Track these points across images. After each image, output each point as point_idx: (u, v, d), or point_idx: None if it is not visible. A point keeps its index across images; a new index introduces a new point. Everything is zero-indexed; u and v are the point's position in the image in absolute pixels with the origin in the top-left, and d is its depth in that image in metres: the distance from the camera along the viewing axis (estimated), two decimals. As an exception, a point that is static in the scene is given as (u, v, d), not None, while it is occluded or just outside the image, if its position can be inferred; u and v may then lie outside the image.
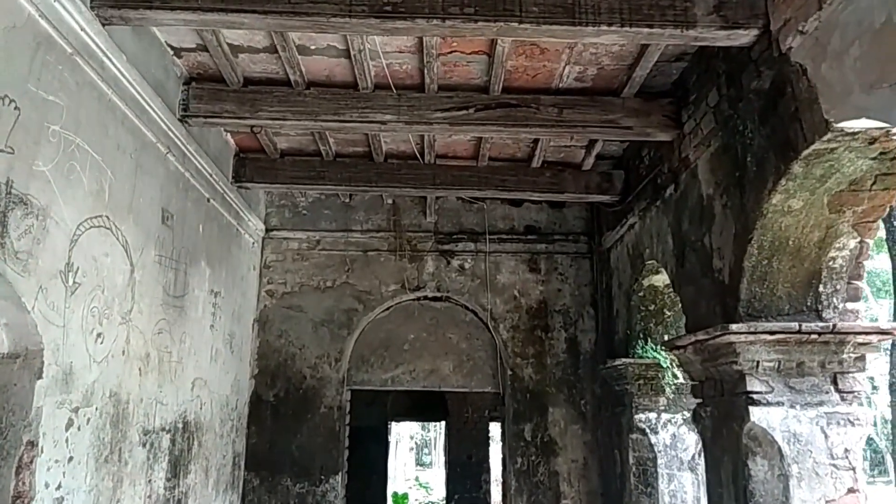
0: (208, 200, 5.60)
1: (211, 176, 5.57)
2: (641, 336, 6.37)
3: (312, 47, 4.55)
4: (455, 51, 4.54)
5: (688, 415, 6.26)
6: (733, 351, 3.94)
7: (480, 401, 16.45)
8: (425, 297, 7.60)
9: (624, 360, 6.21)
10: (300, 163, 6.32)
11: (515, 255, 7.52)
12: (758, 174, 3.80)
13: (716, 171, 4.36)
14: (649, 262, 5.77)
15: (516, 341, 7.29)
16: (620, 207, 6.45)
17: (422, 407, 16.77)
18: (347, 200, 7.56)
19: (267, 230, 7.49)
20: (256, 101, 4.89)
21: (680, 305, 5.94)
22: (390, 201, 7.57)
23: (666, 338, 6.38)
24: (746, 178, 3.92)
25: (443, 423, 16.82)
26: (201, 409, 5.52)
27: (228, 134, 6.02)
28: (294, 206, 7.59)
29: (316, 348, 7.22)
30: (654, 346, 6.31)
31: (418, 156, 6.23)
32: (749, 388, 3.92)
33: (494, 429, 17.13)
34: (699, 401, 4.63)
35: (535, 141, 5.96)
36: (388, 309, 7.58)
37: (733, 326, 3.86)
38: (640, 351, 6.33)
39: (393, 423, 18.61)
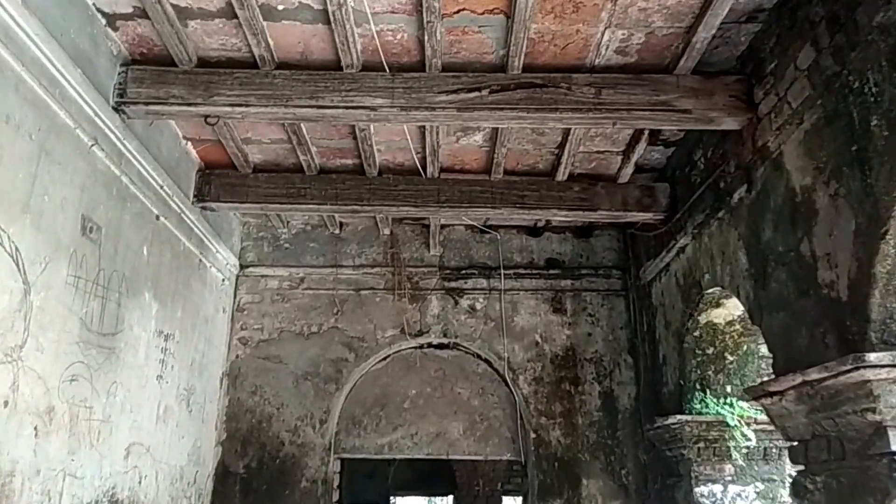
0: (158, 218, 4.56)
1: (162, 188, 4.55)
2: (698, 387, 5.17)
3: (280, 7, 3.59)
4: (463, 9, 3.58)
5: (762, 487, 5.00)
6: (867, 394, 2.80)
7: (492, 471, 14.97)
8: (429, 345, 6.44)
9: (678, 417, 4.99)
10: (276, 178, 5.30)
11: (536, 292, 6.40)
12: (891, 140, 2.74)
13: (815, 153, 3.30)
14: (710, 290, 4.65)
15: (540, 397, 6.09)
16: (664, 229, 5.37)
17: (428, 478, 15.30)
18: (337, 231, 6.51)
19: (242, 266, 6.42)
20: (212, 85, 3.91)
21: (762, 341, 4.80)
22: (387, 231, 6.52)
23: (729, 389, 5.19)
24: (872, 150, 2.86)
25: (450, 497, 15.22)
26: (140, 483, 4.31)
27: (188, 143, 5.03)
28: (275, 239, 6.54)
29: (297, 407, 6.03)
30: (715, 400, 5.11)
31: (419, 168, 5.22)
32: (895, 448, 2.75)
33: (508, 504, 15.55)
34: (801, 468, 3.44)
35: (561, 146, 4.95)
36: (384, 359, 6.42)
37: (871, 357, 2.72)
38: (697, 406, 5.12)
39: (396, 498, 16.99)
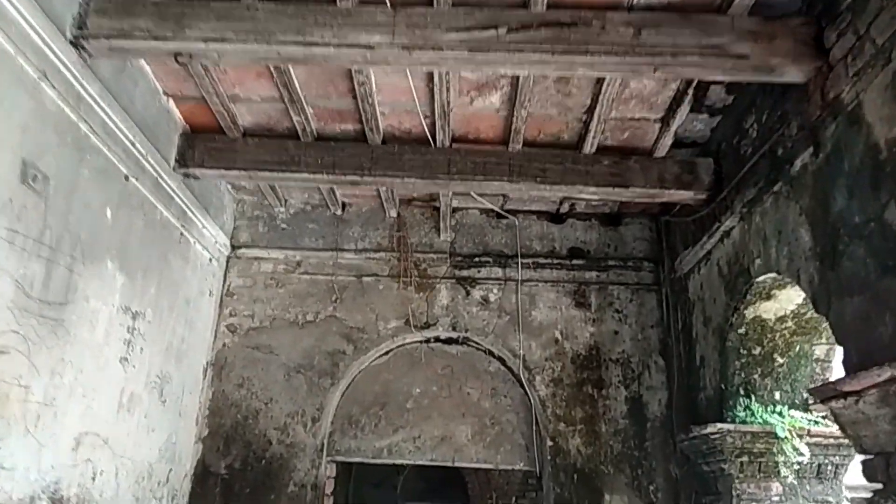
0: (127, 179, 4.05)
1: (135, 147, 4.05)
2: (742, 392, 4.53)
3: (261, -81, 3.06)
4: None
5: (816, 511, 4.35)
6: None
7: (506, 484, 14.29)
8: (436, 339, 5.86)
9: (719, 426, 4.35)
10: (268, 144, 4.78)
11: (557, 284, 5.79)
12: None
13: (909, 96, 2.68)
14: (761, 278, 4.02)
15: (559, 400, 5.47)
16: (706, 211, 4.74)
17: (438, 489, 14.68)
18: (339, 212, 5.97)
19: (233, 247, 5.90)
20: (184, 17, 3.39)
21: (817, 341, 4.16)
22: (394, 213, 5.97)
23: (777, 395, 4.55)
24: None
25: (462, 509, 14.55)
26: (94, 479, 3.78)
27: (170, 100, 4.53)
28: (271, 219, 6.02)
29: (288, 403, 5.47)
30: (762, 407, 4.46)
31: (428, 136, 4.66)
32: None
33: (523, 519, 14.86)
34: (878, 486, 2.83)
35: (590, 110, 4.36)
36: (386, 353, 5.85)
37: None
38: (741, 413, 4.48)
39: (404, 509, 16.36)
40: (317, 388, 5.52)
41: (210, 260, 5.50)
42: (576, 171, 4.66)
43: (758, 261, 4.04)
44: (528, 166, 4.68)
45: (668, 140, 4.58)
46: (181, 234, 4.89)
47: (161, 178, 4.46)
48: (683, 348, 5.25)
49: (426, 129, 4.63)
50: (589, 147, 4.66)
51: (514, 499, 14.32)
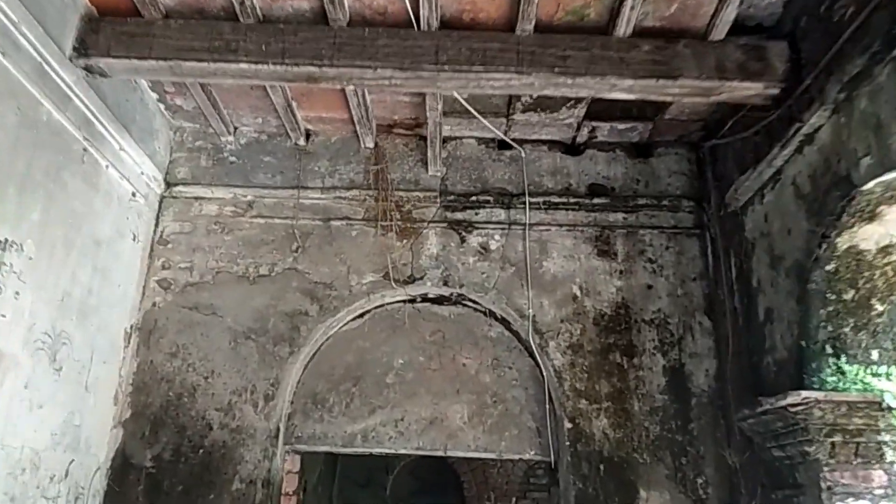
0: (-15, 49, 2.92)
1: (3, 13, 2.92)
2: (830, 351, 3.45)
3: None
4: None
5: (934, 508, 3.29)
6: None
7: (506, 482, 13.22)
8: (424, 297, 4.76)
9: (804, 395, 3.28)
10: (197, 27, 3.66)
11: (574, 229, 4.70)
12: None
13: None
14: (870, 184, 2.95)
15: (578, 372, 4.37)
16: (775, 116, 3.66)
17: (431, 490, 13.60)
18: (302, 142, 4.86)
19: (169, 184, 4.78)
20: None
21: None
22: (371, 143, 4.86)
23: (875, 355, 3.47)
24: None
25: (457, 512, 13.47)
26: (-73, 473, 2.65)
27: (62, -38, 3.40)
28: (216, 150, 4.90)
29: (234, 377, 4.36)
30: (861, 369, 3.38)
31: (410, 14, 3.56)
32: None
33: (524, 522, 13.79)
34: None
35: (627, -29, 3.26)
36: (361, 315, 4.75)
37: None
38: (830, 379, 3.41)
39: (394, 512, 15.26)
40: (271, 358, 4.41)
41: (134, 195, 4.38)
42: (606, 58, 3.56)
43: (865, 160, 2.96)
44: (543, 53, 3.58)
45: (728, 15, 3.49)
46: (84, 149, 3.77)
47: (49, 65, 3.35)
48: (740, 302, 4.16)
49: (408, 7, 3.52)
50: (623, 28, 3.57)
51: (514, 500, 13.28)
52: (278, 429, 4.29)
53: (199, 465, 4.16)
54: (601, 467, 4.17)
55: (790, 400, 3.30)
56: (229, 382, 4.35)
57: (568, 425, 4.26)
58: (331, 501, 12.24)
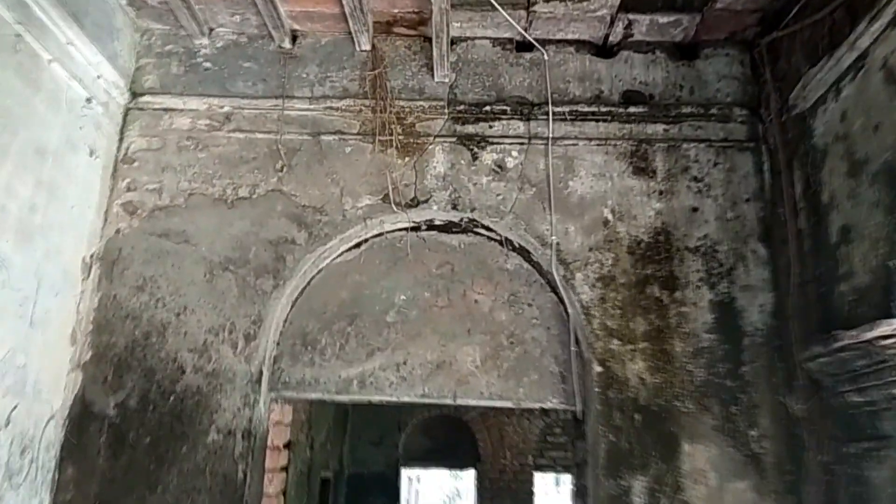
0: None
1: None
2: (928, 273, 2.80)
3: None
4: None
5: None
6: None
7: (522, 442, 12.83)
8: (429, 224, 4.15)
9: (893, 323, 2.65)
10: None
11: (605, 143, 4.05)
12: None
13: None
14: None
15: (610, 308, 3.77)
16: (864, -16, 2.94)
17: (445, 449, 13.26)
18: (287, 45, 4.22)
19: (135, 94, 4.17)
20: None
21: None
22: (367, 46, 4.20)
23: (985, 279, 2.82)
24: None
25: (472, 471, 13.19)
26: None
27: None
28: (189, 55, 4.27)
29: (209, 314, 3.81)
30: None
31: None
32: None
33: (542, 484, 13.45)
34: None
35: None
36: (357, 245, 4.15)
37: None
38: (929, 307, 2.76)
39: (408, 470, 15.00)
40: (253, 292, 3.84)
41: (90, 101, 3.78)
42: None
43: None
44: None
45: None
46: (17, 35, 3.17)
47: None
48: (807, 222, 3.52)
49: None
50: None
51: (530, 458, 12.91)
52: (261, 373, 3.75)
53: (169, 414, 3.64)
54: (636, 417, 3.59)
55: (879, 331, 2.68)
56: (204, 320, 3.79)
57: (597, 369, 3.67)
58: (341, 460, 11.92)
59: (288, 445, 4.43)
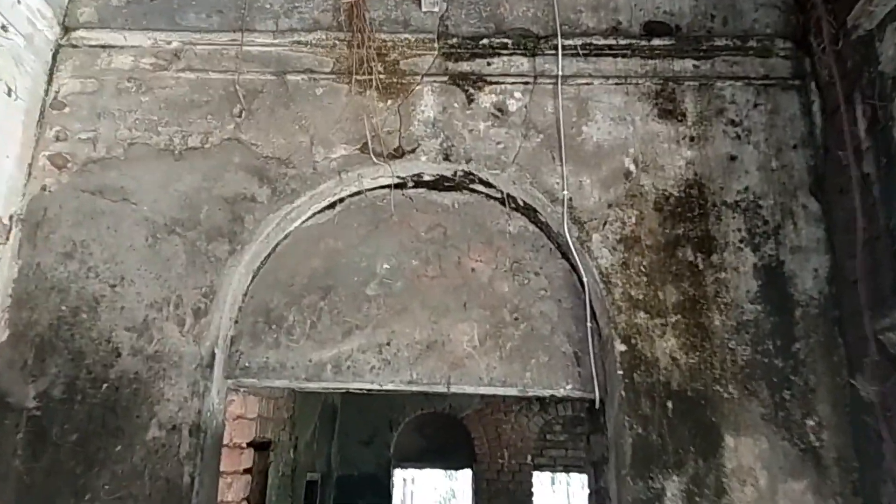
0: None
1: None
2: None
3: None
4: None
5: None
6: None
7: (520, 440, 12.24)
8: (418, 181, 3.53)
9: None
10: None
11: (625, 82, 3.44)
12: None
13: None
14: None
15: (634, 274, 3.16)
16: None
17: (439, 448, 12.67)
18: (249, -29, 3.57)
19: (67, 29, 3.53)
20: None
21: None
22: (342, -29, 3.57)
23: None
24: None
25: (468, 471, 12.61)
26: None
27: None
28: (132, -17, 3.63)
29: (151, 285, 3.17)
30: None
31: None
32: None
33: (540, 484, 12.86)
34: None
35: None
36: (331, 205, 3.54)
37: None
38: None
39: (400, 471, 14.39)
40: (204, 259, 3.21)
41: (5, 30, 3.14)
42: None
43: None
44: None
45: None
46: None
47: None
48: (875, 165, 2.91)
49: None
50: None
51: (529, 457, 12.33)
52: (213, 355, 3.11)
53: (100, 406, 3.01)
54: (669, 405, 2.98)
55: None
56: (145, 292, 3.16)
57: (620, 348, 3.06)
58: (329, 461, 11.32)
59: (254, 444, 3.80)
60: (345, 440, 12.14)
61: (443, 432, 12.53)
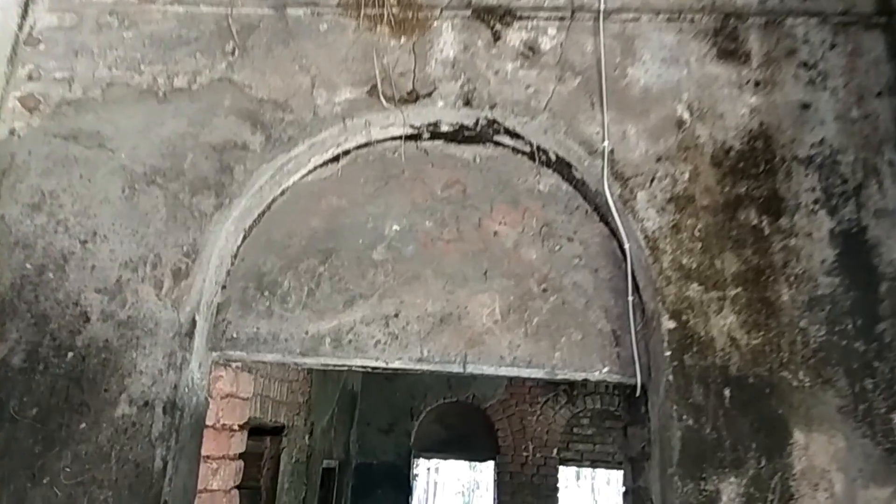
0: None
1: None
2: None
3: None
4: None
5: None
6: None
7: (546, 432, 11.77)
8: (434, 131, 3.08)
9: None
10: None
11: (678, 18, 2.95)
12: None
13: None
14: None
15: (687, 239, 2.68)
16: None
17: (460, 440, 12.30)
18: None
19: (41, -43, 3.14)
20: None
21: None
22: None
23: None
24: None
25: (491, 462, 12.23)
26: None
27: None
28: None
29: (127, 242, 2.78)
30: None
31: None
32: None
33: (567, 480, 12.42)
34: None
35: None
36: (334, 158, 3.10)
37: None
38: None
39: (421, 461, 14.05)
40: (187, 213, 2.81)
41: (-35, -51, 2.75)
42: None
43: None
44: None
45: None
46: None
47: None
48: None
49: None
50: None
51: (555, 451, 11.89)
52: (193, 322, 2.72)
53: (65, 377, 2.63)
54: (726, 393, 2.51)
55: None
56: (119, 250, 2.78)
57: (669, 325, 2.59)
58: (347, 449, 11.01)
59: (249, 427, 3.41)
60: (364, 428, 11.85)
61: (465, 422, 12.16)
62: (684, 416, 2.49)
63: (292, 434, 7.16)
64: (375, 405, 11.80)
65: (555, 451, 11.83)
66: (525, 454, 11.74)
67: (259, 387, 5.61)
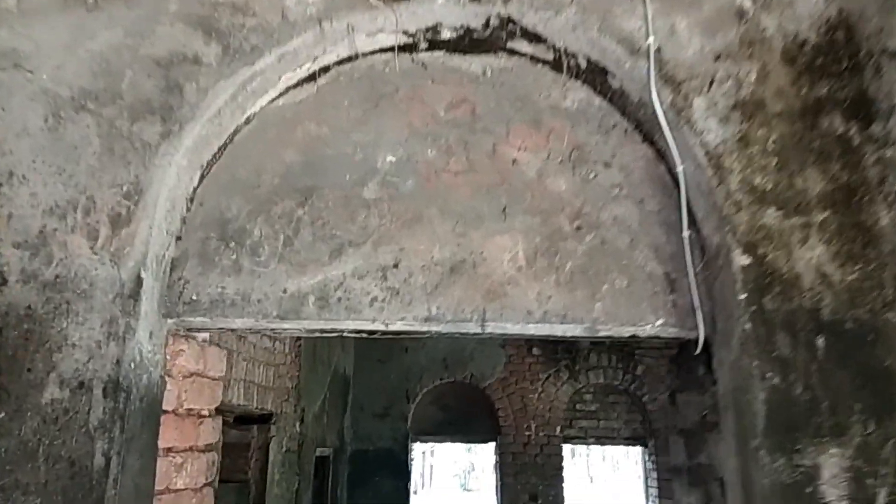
0: None
1: None
2: None
3: None
4: None
5: None
6: None
7: (549, 408, 11.34)
8: (434, 39, 2.50)
9: None
10: None
11: None
12: None
13: None
14: None
15: (758, 154, 2.14)
16: None
17: (460, 421, 11.87)
18: None
19: None
20: None
21: None
22: None
23: None
24: None
25: (492, 444, 11.82)
26: None
27: None
28: None
29: (52, 183, 2.20)
30: None
31: None
32: None
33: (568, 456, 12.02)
34: None
35: None
36: (311, 76, 2.51)
37: None
38: None
39: (417, 445, 13.60)
40: (127, 144, 2.23)
41: None
42: None
43: None
44: None
45: None
46: None
47: None
48: None
49: None
50: None
51: (558, 429, 11.48)
52: (138, 281, 2.15)
53: (-25, 355, 2.06)
54: (819, 343, 1.99)
55: None
56: (42, 193, 2.20)
57: (742, 261, 2.06)
58: (341, 436, 10.54)
59: (223, 411, 2.86)
60: (358, 413, 11.41)
61: (464, 403, 11.74)
62: (768, 374, 1.97)
63: (281, 422, 6.68)
64: (369, 388, 11.37)
65: (558, 429, 11.43)
66: (527, 433, 11.34)
67: (242, 371, 5.11)
